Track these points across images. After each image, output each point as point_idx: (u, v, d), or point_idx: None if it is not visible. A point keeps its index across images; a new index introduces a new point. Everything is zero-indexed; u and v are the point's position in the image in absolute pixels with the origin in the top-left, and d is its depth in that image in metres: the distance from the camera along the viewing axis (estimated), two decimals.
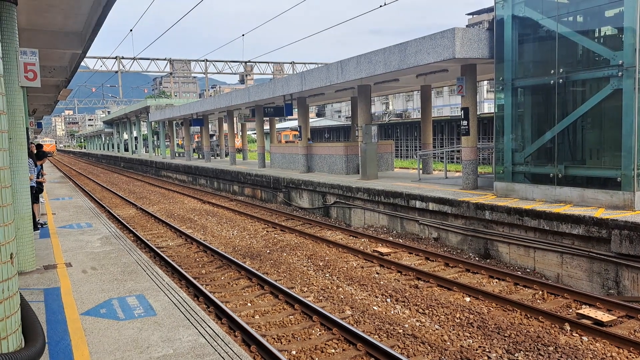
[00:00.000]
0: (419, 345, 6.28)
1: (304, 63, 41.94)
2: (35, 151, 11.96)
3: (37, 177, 11.31)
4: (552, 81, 10.15)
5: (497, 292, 8.17)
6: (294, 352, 6.17)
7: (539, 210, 9.43)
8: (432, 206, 11.98)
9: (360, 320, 7.18)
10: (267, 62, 41.36)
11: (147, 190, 26.75)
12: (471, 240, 10.98)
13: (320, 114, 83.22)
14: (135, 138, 57.01)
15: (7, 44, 7.01)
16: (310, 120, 46.62)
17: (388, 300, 8.06)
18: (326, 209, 16.49)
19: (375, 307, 7.71)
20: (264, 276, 9.08)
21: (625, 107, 8.91)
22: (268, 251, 11.69)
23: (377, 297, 8.21)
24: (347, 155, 18.83)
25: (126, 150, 62.63)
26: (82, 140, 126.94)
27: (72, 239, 10.02)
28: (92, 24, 10.51)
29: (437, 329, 6.80)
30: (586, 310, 7.17)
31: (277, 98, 21.63)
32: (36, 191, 11.02)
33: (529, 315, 7.19)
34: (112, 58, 35.38)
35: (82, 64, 21.52)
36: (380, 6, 18.84)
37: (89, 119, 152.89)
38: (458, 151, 24.66)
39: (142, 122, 56.07)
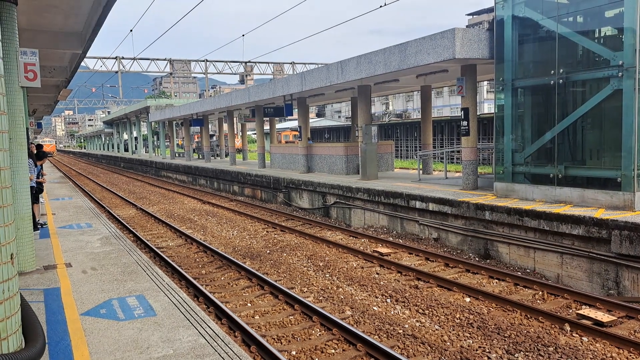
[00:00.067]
0: (419, 346, 6.29)
1: (304, 63, 41.95)
2: (35, 151, 11.96)
3: (37, 178, 11.31)
4: (552, 81, 10.15)
5: (497, 293, 8.17)
6: (294, 353, 6.17)
7: (539, 211, 9.43)
8: (432, 206, 11.98)
9: (360, 321, 7.18)
10: (267, 63, 41.37)
11: (147, 190, 26.75)
12: (471, 240, 10.98)
13: (320, 114, 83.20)
14: (135, 138, 57.03)
15: (7, 44, 7.01)
16: (310, 120, 46.61)
17: (388, 300, 8.06)
18: (326, 209, 16.49)
19: (375, 308, 7.71)
20: (264, 276, 9.08)
21: (625, 108, 8.91)
22: (268, 251, 11.69)
23: (377, 297, 8.21)
24: (347, 156, 18.83)
25: (126, 150, 62.61)
26: (82, 140, 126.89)
27: (72, 239, 10.02)
28: (92, 24, 10.51)
29: (437, 330, 6.80)
30: (586, 311, 7.17)
31: (277, 98, 21.63)
32: (36, 191, 11.02)
33: (529, 316, 7.18)
34: (112, 58, 35.37)
35: (82, 64, 21.50)
36: (381, 6, 18.84)
37: (89, 119, 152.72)
38: (458, 151, 24.68)
39: (142, 123, 56.07)
